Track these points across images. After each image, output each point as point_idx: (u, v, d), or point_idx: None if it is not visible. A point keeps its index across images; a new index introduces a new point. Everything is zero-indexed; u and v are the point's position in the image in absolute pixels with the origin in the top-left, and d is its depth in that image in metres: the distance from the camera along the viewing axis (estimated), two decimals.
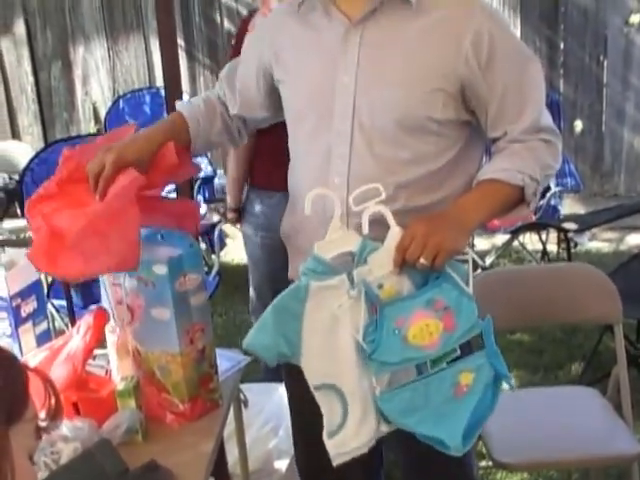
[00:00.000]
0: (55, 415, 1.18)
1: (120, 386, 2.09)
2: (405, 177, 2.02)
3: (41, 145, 7.03)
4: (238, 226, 3.86)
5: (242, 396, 2.78)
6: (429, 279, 1.86)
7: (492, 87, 1.97)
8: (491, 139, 2.07)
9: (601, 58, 6.48)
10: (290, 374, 2.38)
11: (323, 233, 1.92)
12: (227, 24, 7.01)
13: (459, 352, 1.87)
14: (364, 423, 1.89)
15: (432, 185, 2.05)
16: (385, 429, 1.93)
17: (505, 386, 2.00)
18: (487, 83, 1.96)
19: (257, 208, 3.57)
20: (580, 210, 6.25)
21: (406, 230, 1.84)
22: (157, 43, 3.23)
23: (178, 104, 2.33)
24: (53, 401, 1.18)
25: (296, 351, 1.88)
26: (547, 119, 2.04)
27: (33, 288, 2.40)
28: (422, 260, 1.81)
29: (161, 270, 2.05)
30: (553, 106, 5.58)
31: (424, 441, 1.89)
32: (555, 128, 2.06)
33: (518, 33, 6.53)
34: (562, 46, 6.55)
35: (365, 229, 1.85)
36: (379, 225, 1.86)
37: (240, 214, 3.72)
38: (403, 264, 1.84)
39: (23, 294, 2.35)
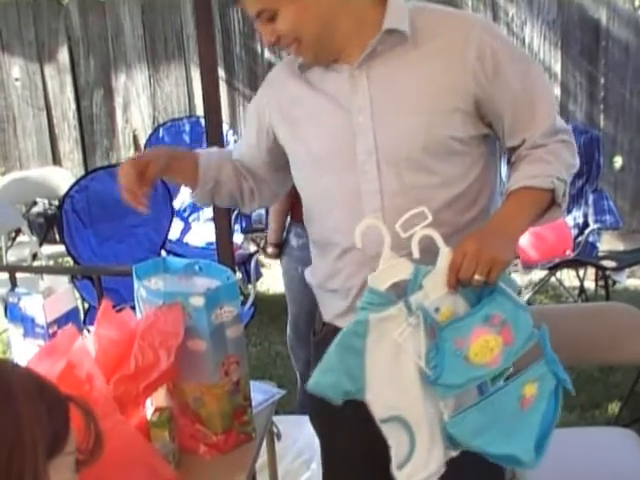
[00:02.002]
0: (95, 449, 1.18)
1: (154, 417, 2.09)
2: (439, 202, 2.01)
3: (81, 171, 7.11)
4: (278, 261, 3.87)
5: (275, 429, 2.76)
6: (482, 295, 1.85)
7: (503, 97, 1.98)
8: (510, 148, 2.08)
9: None
10: (319, 417, 2.38)
11: (364, 271, 1.93)
12: (267, 54, 7.07)
13: (512, 368, 1.86)
14: (432, 451, 1.88)
15: (465, 205, 2.06)
16: (454, 453, 1.91)
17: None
18: (498, 94, 1.98)
19: (298, 242, 3.58)
20: (619, 247, 6.20)
21: (457, 249, 1.83)
22: (198, 72, 3.25)
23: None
24: (93, 434, 1.18)
25: (360, 386, 1.87)
26: (560, 119, 2.07)
27: (70, 315, 2.41)
28: (477, 276, 1.80)
29: (198, 302, 2.05)
30: (593, 141, 5.55)
31: (494, 461, 1.88)
32: (567, 127, 2.08)
33: (559, 68, 6.52)
34: (603, 81, 6.53)
35: (416, 254, 1.83)
36: (423, 251, 1.85)
37: (280, 249, 3.73)
38: (457, 284, 1.82)
39: (60, 321, 2.35)
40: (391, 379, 1.86)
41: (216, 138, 3.05)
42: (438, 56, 1.97)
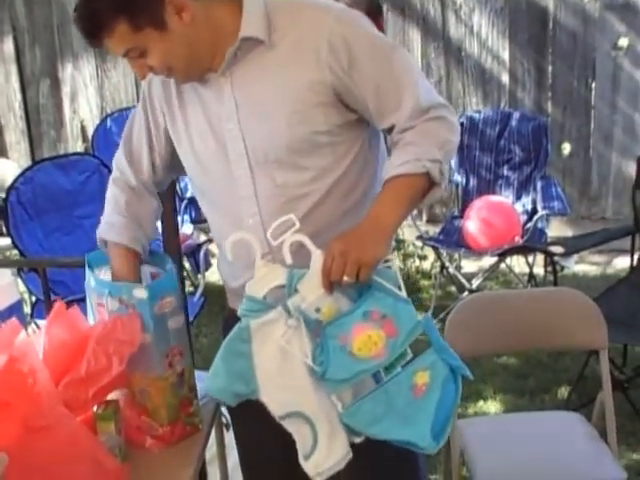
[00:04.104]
0: None
1: (100, 410, 2.07)
2: (315, 195, 2.05)
3: (28, 162, 7.02)
4: None
5: (224, 419, 2.75)
6: (362, 291, 1.88)
7: (364, 86, 1.98)
8: (385, 132, 2.08)
9: (589, 81, 6.50)
10: (235, 416, 2.39)
11: (252, 275, 1.94)
12: None
13: (411, 354, 1.88)
14: (334, 440, 1.91)
15: (347, 188, 2.08)
16: (357, 440, 1.95)
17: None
18: (357, 84, 1.97)
19: None
20: (567, 233, 6.26)
21: (326, 252, 1.86)
22: None
23: (107, 235, 2.22)
24: None
25: (253, 387, 1.90)
26: (431, 97, 2.01)
27: (14, 309, 2.38)
28: (346, 278, 1.84)
29: (141, 294, 2.03)
30: (541, 128, 5.60)
31: (397, 445, 1.90)
32: (443, 101, 2.04)
33: (507, 55, 6.55)
34: (550, 69, 6.57)
35: (288, 260, 1.88)
36: (307, 250, 1.89)
37: None
38: (332, 285, 1.86)
39: (3, 315, 2.33)
40: (283, 378, 1.90)
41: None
42: (292, 55, 1.98)
